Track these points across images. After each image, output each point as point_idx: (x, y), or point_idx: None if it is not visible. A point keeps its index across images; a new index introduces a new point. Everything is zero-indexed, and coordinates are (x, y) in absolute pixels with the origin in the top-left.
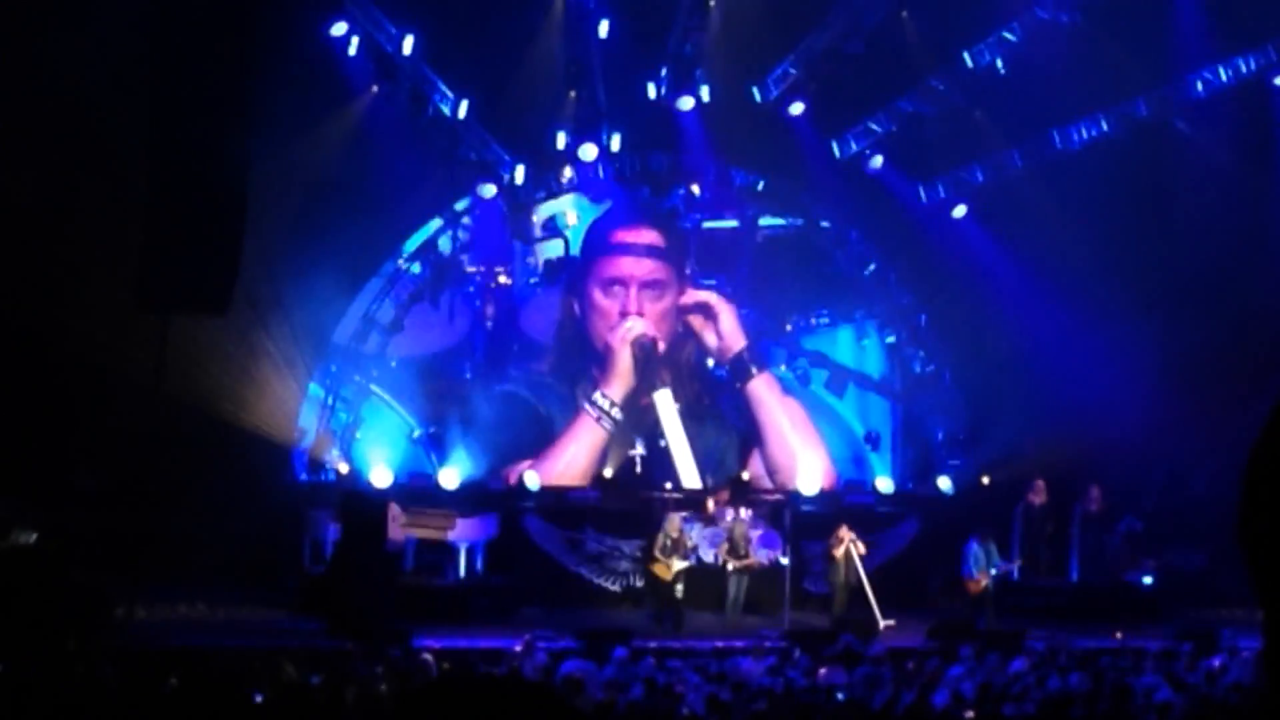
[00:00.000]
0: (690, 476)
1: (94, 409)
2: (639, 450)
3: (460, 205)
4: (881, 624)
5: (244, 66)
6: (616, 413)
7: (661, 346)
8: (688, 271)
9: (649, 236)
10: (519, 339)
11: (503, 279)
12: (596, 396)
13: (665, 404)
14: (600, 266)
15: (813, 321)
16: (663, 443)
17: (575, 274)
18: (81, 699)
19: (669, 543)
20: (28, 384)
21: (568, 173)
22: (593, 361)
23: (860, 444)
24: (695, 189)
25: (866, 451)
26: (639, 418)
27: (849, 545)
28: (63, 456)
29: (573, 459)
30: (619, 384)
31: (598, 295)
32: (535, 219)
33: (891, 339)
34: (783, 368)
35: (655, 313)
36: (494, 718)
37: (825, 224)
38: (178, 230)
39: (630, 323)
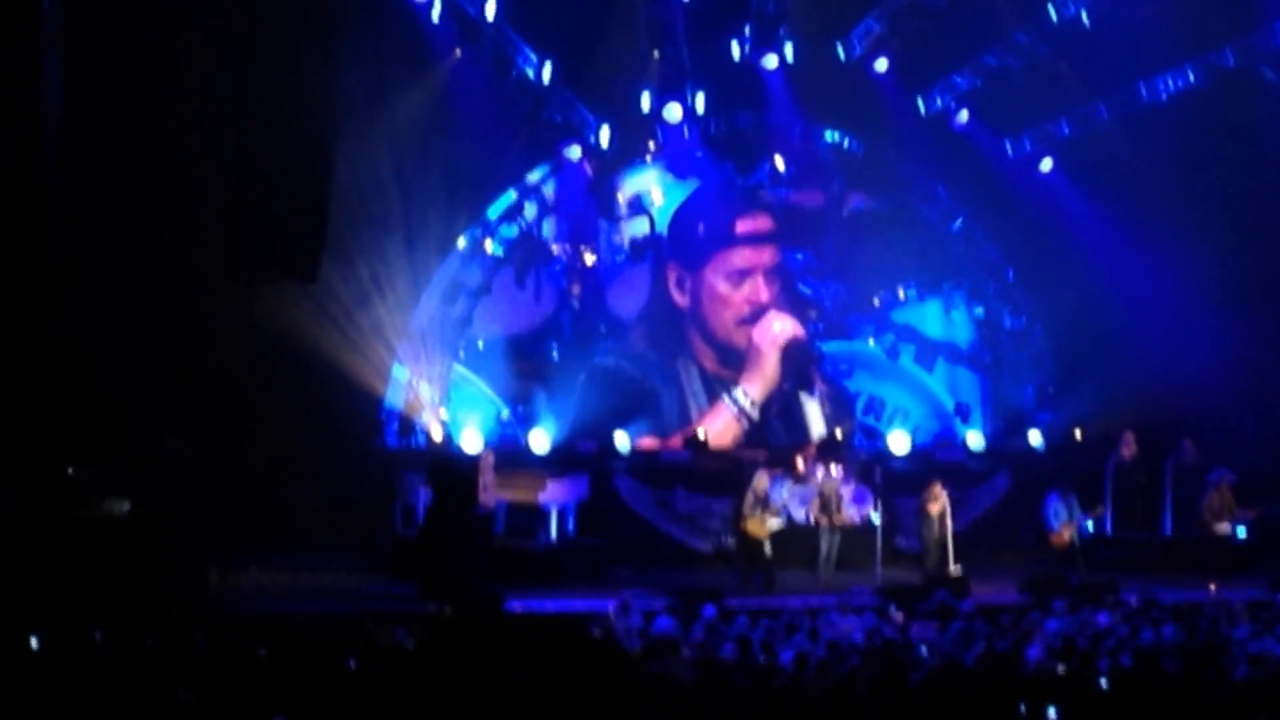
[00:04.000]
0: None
1: (185, 377)
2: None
3: (544, 170)
4: (952, 571)
5: (328, 33)
6: (755, 411)
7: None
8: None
9: (764, 223)
10: (605, 318)
11: (588, 258)
12: (737, 393)
13: (813, 409)
14: (722, 258)
15: (900, 295)
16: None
17: (681, 255)
18: (175, 666)
19: (756, 501)
20: (119, 353)
21: (653, 145)
22: (705, 347)
23: (950, 417)
24: (780, 162)
25: (956, 424)
26: (779, 416)
27: (943, 502)
28: (155, 425)
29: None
30: (762, 384)
31: (722, 286)
32: (621, 197)
33: (980, 310)
34: (871, 342)
35: (773, 297)
36: (515, 649)
37: (912, 181)
38: (265, 198)
39: (779, 325)
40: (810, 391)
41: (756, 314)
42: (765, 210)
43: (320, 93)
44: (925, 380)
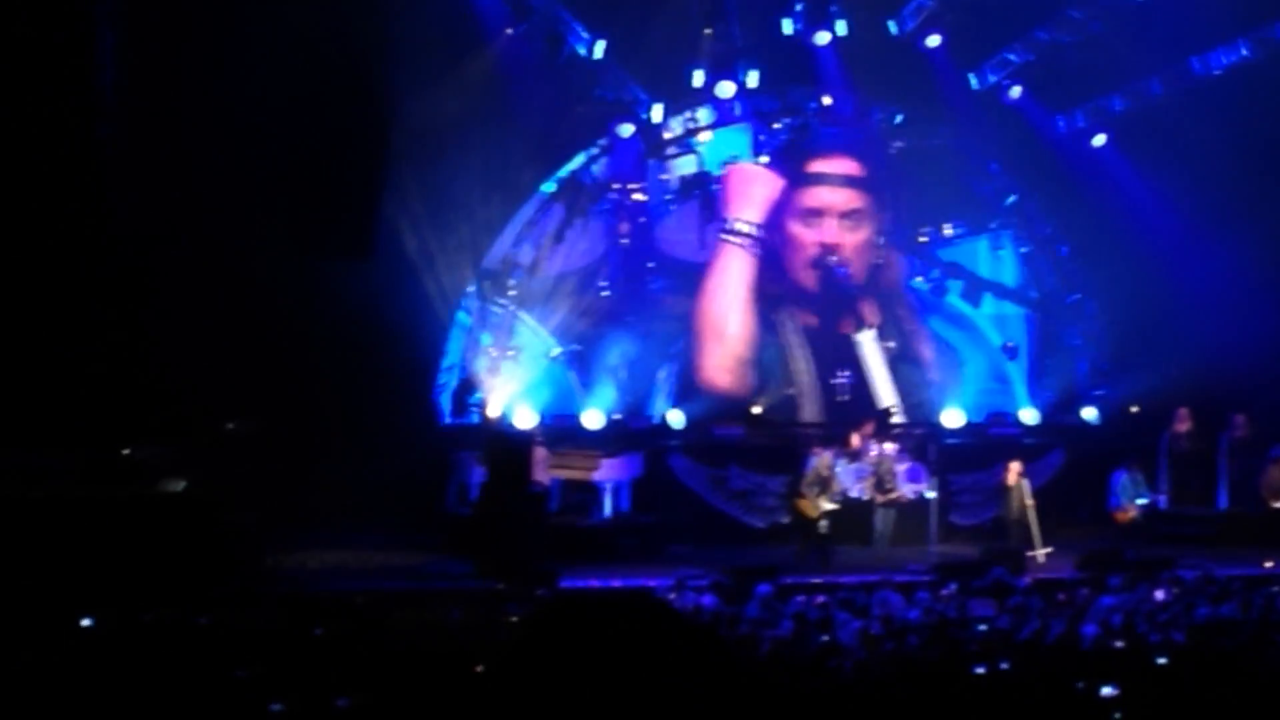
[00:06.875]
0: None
1: (241, 356)
2: (846, 377)
3: (600, 145)
4: (1040, 554)
5: (380, 12)
6: (757, 232)
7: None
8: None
9: (846, 166)
10: (656, 256)
11: (636, 196)
12: (736, 225)
13: (869, 345)
14: (796, 197)
15: (947, 233)
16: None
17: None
18: (233, 645)
19: (817, 480)
20: (176, 332)
21: (704, 115)
22: (789, 295)
23: (998, 354)
24: (827, 100)
25: (1004, 362)
26: (841, 347)
27: (1018, 480)
28: (211, 404)
29: (726, 289)
30: (754, 208)
31: (795, 227)
32: (668, 135)
33: (1026, 249)
34: (918, 279)
35: (854, 243)
36: (618, 631)
37: (966, 155)
38: (321, 176)
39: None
40: (864, 327)
41: (826, 256)
42: (853, 155)
43: (373, 72)
44: (973, 317)
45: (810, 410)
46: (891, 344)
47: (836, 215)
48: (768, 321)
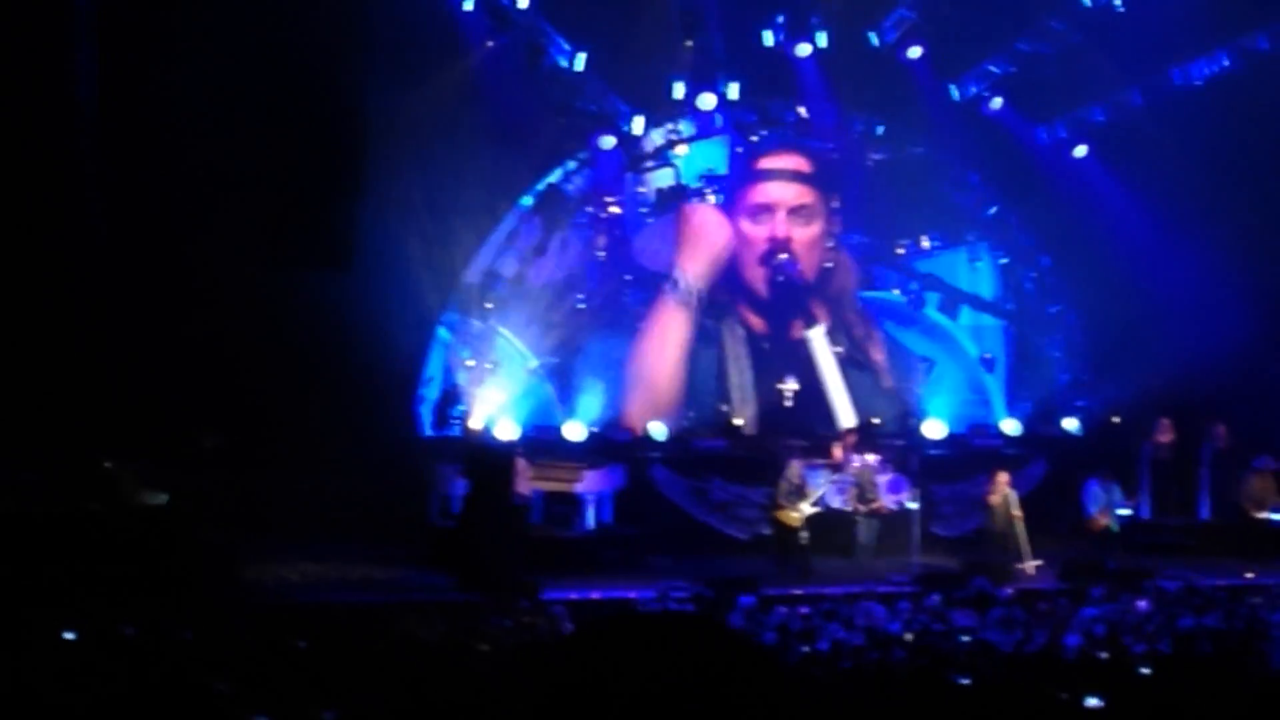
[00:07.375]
0: (846, 417)
1: (220, 369)
2: (791, 385)
3: (580, 157)
4: (1029, 566)
5: (359, 24)
6: (698, 290)
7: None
8: (835, 204)
9: (795, 161)
10: (632, 269)
11: (613, 209)
12: (675, 274)
13: (819, 342)
14: (746, 194)
15: (924, 245)
16: (818, 380)
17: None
18: (212, 659)
19: (791, 489)
20: (154, 346)
21: (685, 127)
22: (739, 295)
23: (975, 366)
24: (803, 111)
25: (982, 374)
26: (790, 352)
27: (1005, 492)
28: (190, 417)
29: (661, 347)
30: (704, 263)
31: (745, 224)
32: (646, 148)
33: (1005, 260)
34: (895, 291)
35: (804, 240)
36: (660, 649)
37: (946, 167)
38: (300, 189)
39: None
40: (814, 324)
41: (775, 251)
42: (802, 152)
43: (351, 83)
44: (951, 329)
45: (745, 422)
46: (839, 348)
47: (786, 210)
48: (708, 333)
